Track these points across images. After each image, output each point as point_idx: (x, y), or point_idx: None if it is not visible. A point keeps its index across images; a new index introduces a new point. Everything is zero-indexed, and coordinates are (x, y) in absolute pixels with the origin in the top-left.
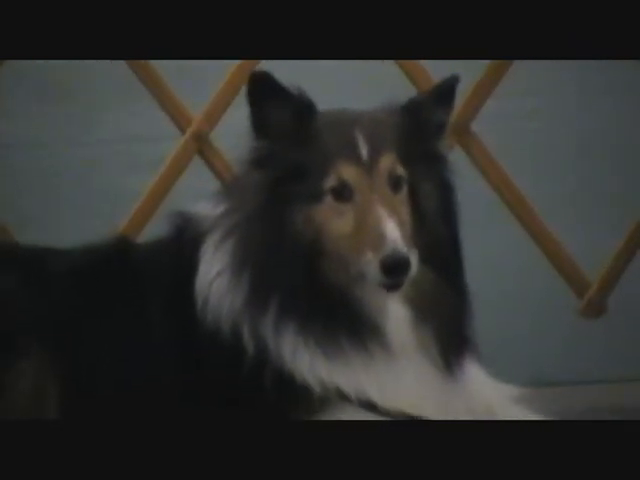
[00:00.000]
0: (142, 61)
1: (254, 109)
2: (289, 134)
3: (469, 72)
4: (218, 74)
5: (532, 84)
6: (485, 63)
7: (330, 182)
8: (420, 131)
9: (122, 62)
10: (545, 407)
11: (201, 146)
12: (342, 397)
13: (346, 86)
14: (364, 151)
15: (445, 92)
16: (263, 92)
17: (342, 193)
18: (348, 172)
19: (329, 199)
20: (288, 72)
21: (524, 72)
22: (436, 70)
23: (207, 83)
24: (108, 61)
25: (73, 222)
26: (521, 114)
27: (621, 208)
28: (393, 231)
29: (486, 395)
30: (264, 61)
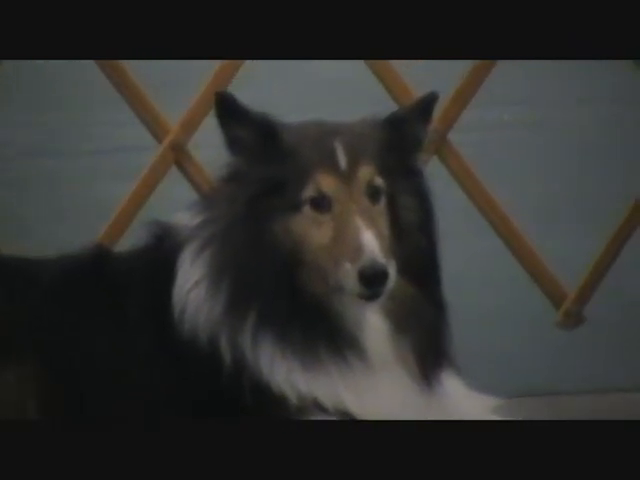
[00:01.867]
0: (120, 71)
1: (222, 129)
2: (259, 151)
3: (445, 82)
4: (194, 84)
5: (508, 94)
6: (461, 73)
7: (308, 192)
8: (400, 144)
9: (100, 74)
10: (524, 417)
11: (178, 156)
12: (319, 408)
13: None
14: (343, 161)
15: (424, 108)
16: (227, 113)
17: (320, 203)
18: (326, 182)
19: (307, 209)
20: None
21: (500, 82)
22: (414, 79)
23: (185, 93)
24: (90, 71)
25: (55, 231)
26: (497, 124)
27: (599, 217)
28: (371, 242)
29: (463, 407)
30: (235, 83)
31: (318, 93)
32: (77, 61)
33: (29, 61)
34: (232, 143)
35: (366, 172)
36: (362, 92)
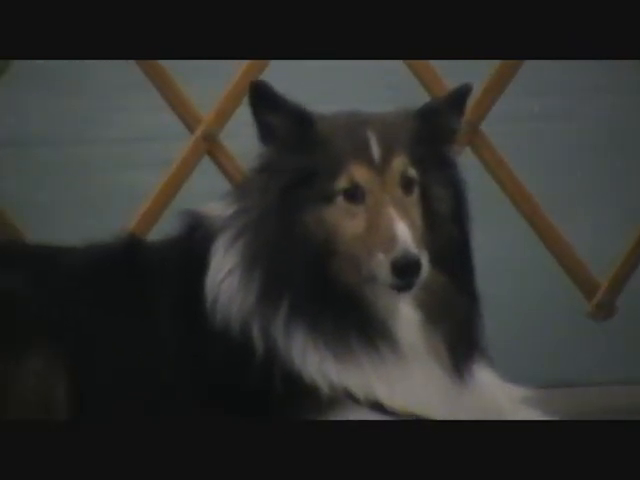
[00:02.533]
0: (151, 60)
1: (256, 117)
2: (292, 141)
3: (477, 74)
4: (227, 74)
5: (539, 85)
6: (493, 65)
7: (342, 183)
8: (433, 135)
9: (132, 61)
10: (555, 408)
11: (211, 146)
12: (351, 398)
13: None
14: (376, 152)
15: (458, 99)
16: (262, 102)
17: (354, 194)
18: (360, 173)
19: (340, 200)
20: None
21: (531, 73)
22: (446, 71)
23: (217, 83)
24: (120, 60)
25: (84, 219)
26: (530, 114)
27: (631, 208)
28: (404, 232)
29: (495, 397)
30: (271, 67)
31: (336, 83)
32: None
33: None
34: (265, 132)
35: (399, 163)
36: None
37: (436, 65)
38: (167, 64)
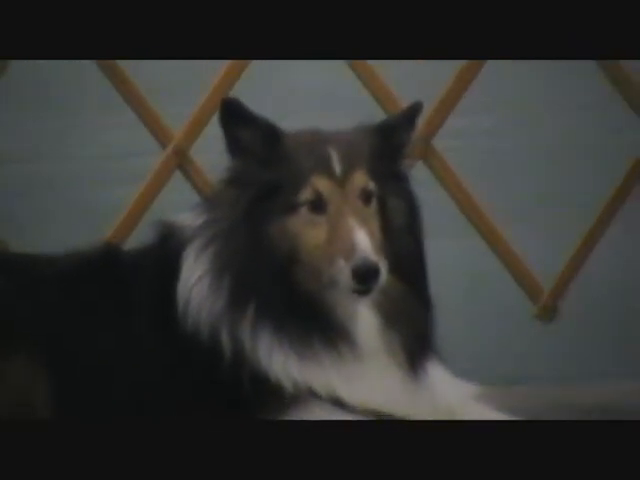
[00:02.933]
0: (123, 77)
1: (226, 133)
2: (260, 155)
3: (431, 86)
4: (196, 94)
5: (490, 101)
6: (444, 79)
7: (305, 195)
8: (389, 151)
9: (105, 78)
10: (504, 404)
11: (181, 161)
12: (314, 395)
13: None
14: (337, 167)
15: (410, 116)
16: (233, 118)
17: (316, 205)
18: (322, 185)
19: (304, 211)
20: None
21: (481, 89)
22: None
23: (186, 101)
24: (91, 77)
25: (61, 231)
26: (479, 131)
27: (574, 220)
28: (364, 240)
29: (448, 394)
30: (237, 86)
31: (298, 100)
32: (78, 63)
33: (27, 63)
34: (234, 146)
35: (359, 177)
36: (342, 99)
37: (389, 79)
38: (139, 81)
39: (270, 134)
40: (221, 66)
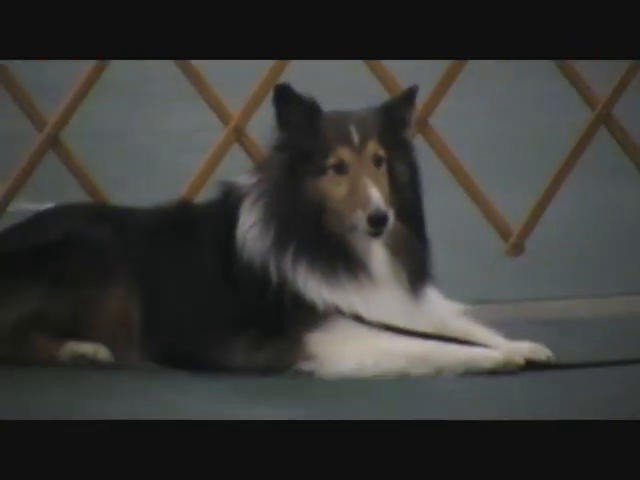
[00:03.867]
0: (189, 63)
1: (278, 110)
2: (301, 128)
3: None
4: (251, 75)
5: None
6: (439, 69)
7: (331, 160)
8: (394, 124)
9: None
10: (482, 318)
11: (239, 136)
12: (339, 312)
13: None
14: (355, 138)
15: (408, 97)
16: (283, 99)
17: (340, 168)
18: (344, 153)
19: (330, 173)
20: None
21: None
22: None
23: (241, 82)
24: (171, 73)
25: (149, 189)
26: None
27: (539, 176)
28: (376, 195)
29: (440, 311)
30: (289, 69)
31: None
32: (161, 63)
33: (123, 63)
34: (282, 121)
35: (372, 146)
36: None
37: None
38: (204, 69)
39: (313, 111)
40: (266, 64)
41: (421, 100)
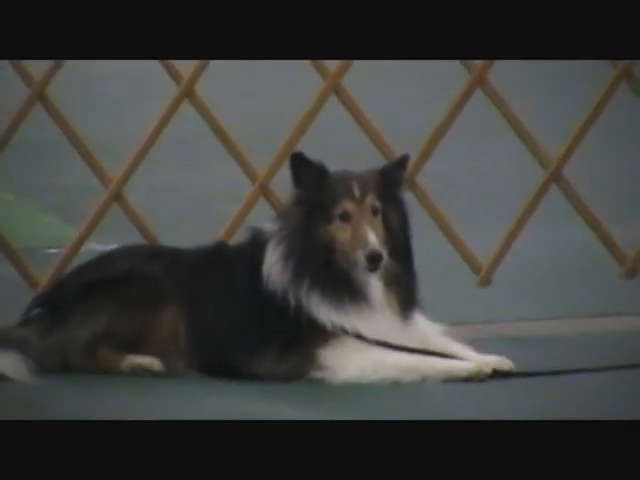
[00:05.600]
0: (224, 130)
1: (293, 173)
2: (313, 187)
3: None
4: (276, 137)
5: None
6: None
7: (338, 211)
8: (389, 183)
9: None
10: (457, 337)
11: (264, 192)
12: (344, 332)
13: None
14: (357, 193)
15: (401, 163)
16: (298, 164)
17: (345, 217)
18: (348, 205)
19: (337, 221)
20: None
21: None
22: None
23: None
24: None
25: (191, 233)
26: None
27: (511, 208)
28: (373, 238)
29: (425, 330)
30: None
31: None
32: None
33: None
34: (297, 181)
35: (370, 199)
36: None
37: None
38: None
39: (322, 174)
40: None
41: (411, 163)
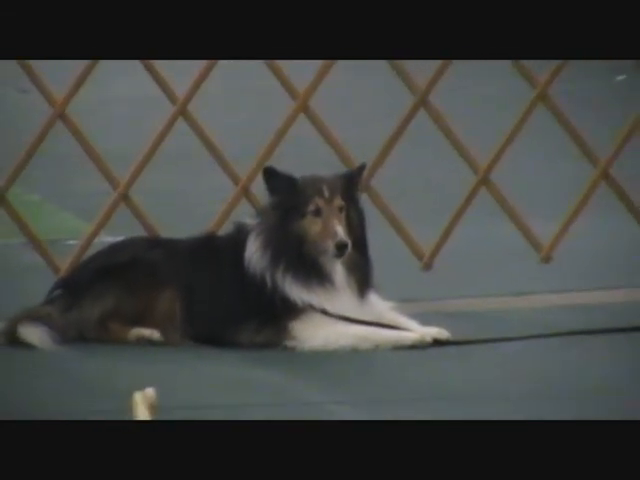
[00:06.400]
0: (210, 139)
1: (266, 183)
2: (285, 192)
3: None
4: (255, 146)
5: None
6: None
7: (311, 207)
8: (350, 186)
9: None
10: (405, 311)
11: (246, 193)
12: (312, 308)
13: None
14: (327, 193)
15: (359, 171)
16: (270, 176)
17: (316, 213)
18: (320, 203)
19: (310, 216)
20: None
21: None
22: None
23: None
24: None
25: (185, 227)
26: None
27: (448, 206)
28: (340, 230)
29: (378, 306)
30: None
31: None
32: None
33: None
34: (272, 191)
35: (337, 199)
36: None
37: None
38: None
39: (289, 182)
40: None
41: (366, 170)
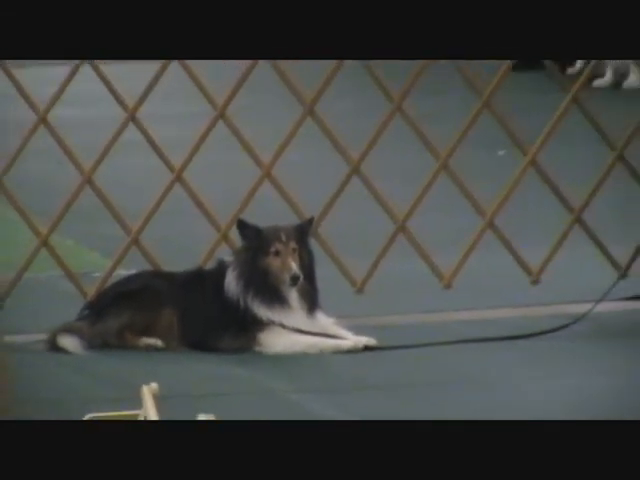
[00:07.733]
0: (189, 186)
1: (239, 232)
2: (253, 238)
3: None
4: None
5: None
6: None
7: (272, 249)
8: (303, 233)
9: None
10: (342, 325)
11: (226, 239)
12: (274, 323)
13: None
14: (284, 238)
15: (309, 223)
16: (242, 227)
17: (276, 253)
18: (279, 246)
19: (272, 255)
20: None
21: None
22: None
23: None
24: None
25: (181, 263)
26: None
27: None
28: (295, 267)
29: (323, 321)
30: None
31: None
32: None
33: None
34: (244, 237)
35: (292, 243)
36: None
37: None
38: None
39: (256, 231)
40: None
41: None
